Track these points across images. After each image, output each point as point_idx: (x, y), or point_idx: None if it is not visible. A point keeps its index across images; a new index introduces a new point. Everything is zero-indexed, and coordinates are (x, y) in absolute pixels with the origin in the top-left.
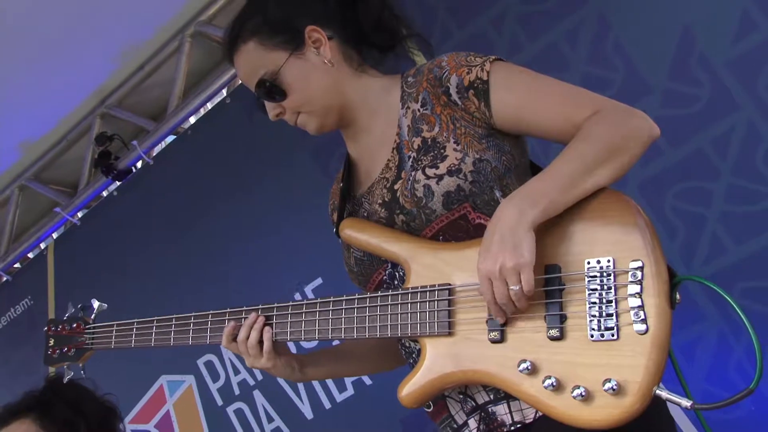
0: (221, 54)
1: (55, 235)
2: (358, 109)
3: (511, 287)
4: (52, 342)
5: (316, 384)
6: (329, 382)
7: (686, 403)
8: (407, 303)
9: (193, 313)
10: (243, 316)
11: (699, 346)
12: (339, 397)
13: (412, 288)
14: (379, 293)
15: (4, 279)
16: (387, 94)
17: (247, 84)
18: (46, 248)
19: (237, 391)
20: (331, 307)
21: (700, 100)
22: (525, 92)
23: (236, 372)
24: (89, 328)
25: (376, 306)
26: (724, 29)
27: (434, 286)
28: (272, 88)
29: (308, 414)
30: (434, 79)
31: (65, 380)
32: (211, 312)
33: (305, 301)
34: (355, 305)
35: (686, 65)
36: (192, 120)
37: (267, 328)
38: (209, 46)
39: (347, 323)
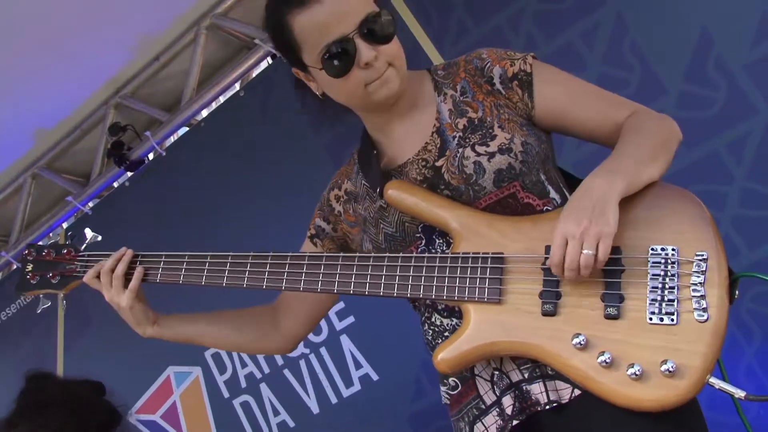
0: (236, 46)
1: (65, 225)
2: (403, 92)
3: (585, 251)
4: (30, 267)
5: (323, 378)
6: (336, 377)
7: (741, 393)
8: (456, 267)
9: (164, 253)
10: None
11: None
12: (345, 392)
13: (463, 253)
14: (427, 255)
15: (15, 267)
16: (420, 84)
17: (346, 17)
18: (57, 237)
19: (243, 384)
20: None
21: (716, 103)
22: (568, 87)
23: (243, 365)
24: (82, 256)
25: (422, 266)
26: (742, 32)
27: (487, 252)
28: (385, 26)
29: (314, 408)
30: (474, 69)
31: (39, 310)
32: (187, 253)
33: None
34: (399, 263)
35: (703, 67)
36: (205, 113)
37: (140, 268)
38: (224, 38)
39: (401, 280)
